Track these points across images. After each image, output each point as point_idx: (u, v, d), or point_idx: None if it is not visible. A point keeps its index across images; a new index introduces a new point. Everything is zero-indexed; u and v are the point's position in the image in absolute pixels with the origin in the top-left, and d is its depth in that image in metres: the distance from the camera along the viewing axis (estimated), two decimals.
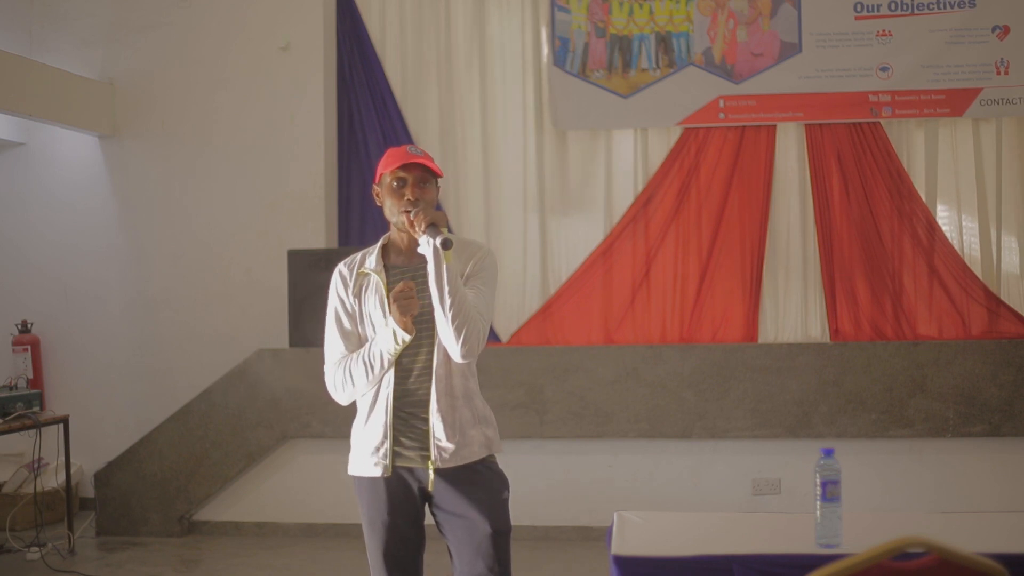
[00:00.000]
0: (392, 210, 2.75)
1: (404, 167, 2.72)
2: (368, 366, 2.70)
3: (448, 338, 2.64)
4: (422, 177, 2.73)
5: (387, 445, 2.72)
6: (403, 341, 2.64)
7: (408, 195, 2.70)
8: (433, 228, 2.62)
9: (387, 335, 2.66)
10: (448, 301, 2.60)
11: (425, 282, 2.68)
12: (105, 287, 6.45)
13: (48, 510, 5.72)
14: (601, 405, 5.55)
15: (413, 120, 6.27)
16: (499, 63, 6.24)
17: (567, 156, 6.20)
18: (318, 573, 5.19)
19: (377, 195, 2.82)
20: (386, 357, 2.67)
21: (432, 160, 2.77)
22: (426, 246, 2.63)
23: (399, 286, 2.65)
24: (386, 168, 2.76)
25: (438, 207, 2.94)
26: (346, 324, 2.79)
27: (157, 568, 5.21)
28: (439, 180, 2.81)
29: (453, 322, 2.60)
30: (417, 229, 2.65)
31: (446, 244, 2.57)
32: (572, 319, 6.05)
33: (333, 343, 2.80)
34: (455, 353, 2.65)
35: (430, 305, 2.67)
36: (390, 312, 2.65)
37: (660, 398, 5.53)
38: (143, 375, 6.38)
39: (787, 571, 2.40)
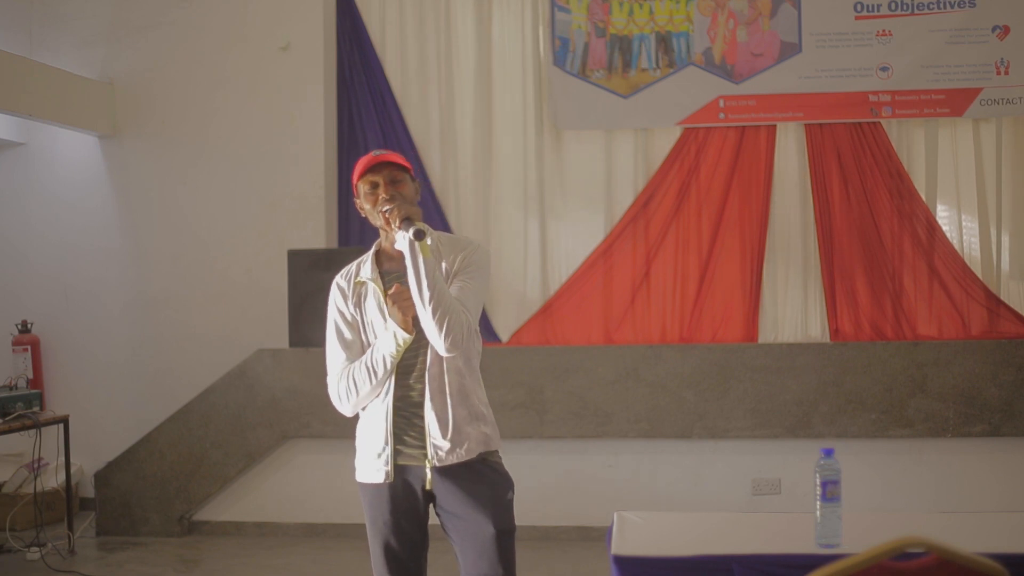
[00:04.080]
0: (372, 214, 2.76)
1: (371, 170, 2.73)
2: (371, 371, 2.70)
3: (431, 331, 2.64)
4: (392, 175, 2.73)
5: (388, 451, 2.73)
6: (404, 342, 2.66)
7: (383, 194, 2.71)
8: (408, 222, 2.63)
9: (387, 338, 2.67)
10: (427, 294, 2.59)
11: None
12: (105, 287, 6.45)
13: (48, 510, 5.72)
14: (601, 405, 5.55)
15: (413, 120, 6.27)
16: (499, 63, 6.24)
17: (567, 156, 6.20)
18: (318, 573, 5.18)
19: (360, 208, 2.82)
20: (388, 360, 2.68)
21: (398, 155, 2.78)
22: (403, 241, 2.64)
23: (392, 289, 2.67)
24: (357, 178, 2.77)
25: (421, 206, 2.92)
26: (347, 334, 2.79)
27: (157, 568, 5.21)
28: (417, 178, 2.81)
29: (434, 314, 2.60)
30: (393, 225, 2.66)
31: (419, 234, 2.57)
32: (572, 319, 6.05)
33: (335, 355, 2.81)
34: (439, 346, 2.65)
35: None
36: (390, 315, 2.67)
37: (660, 398, 5.53)
38: (143, 375, 6.38)
39: (787, 571, 2.40)
